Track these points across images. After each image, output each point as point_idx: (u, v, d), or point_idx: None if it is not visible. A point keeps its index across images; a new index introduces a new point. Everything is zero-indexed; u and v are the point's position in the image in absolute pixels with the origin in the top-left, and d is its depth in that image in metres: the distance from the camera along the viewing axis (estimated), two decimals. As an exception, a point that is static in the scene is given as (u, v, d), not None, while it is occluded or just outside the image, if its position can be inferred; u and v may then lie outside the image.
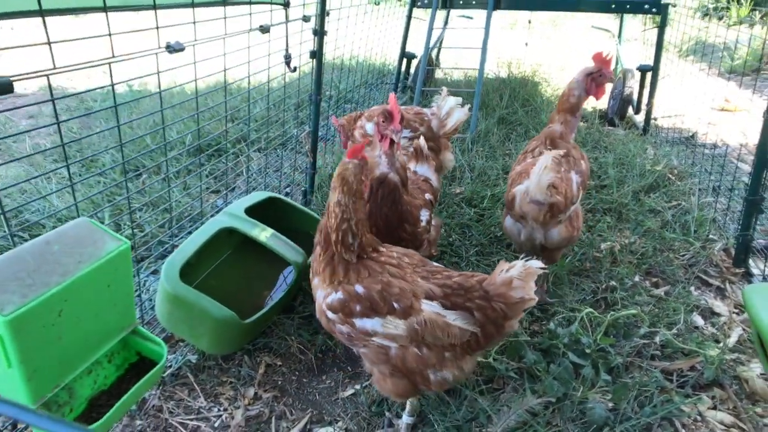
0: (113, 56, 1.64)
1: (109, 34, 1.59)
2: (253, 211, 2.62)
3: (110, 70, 1.68)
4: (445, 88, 3.27)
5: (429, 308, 1.71)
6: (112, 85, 1.73)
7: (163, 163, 2.69)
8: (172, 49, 1.86)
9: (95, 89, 4.43)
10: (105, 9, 1.55)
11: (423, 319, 1.69)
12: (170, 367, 2.31)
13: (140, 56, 1.77)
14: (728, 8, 9.75)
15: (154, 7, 1.75)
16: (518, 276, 1.67)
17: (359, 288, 1.74)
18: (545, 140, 2.66)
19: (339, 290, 1.77)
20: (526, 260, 1.69)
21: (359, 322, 1.73)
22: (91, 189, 3.57)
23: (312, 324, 2.53)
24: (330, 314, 1.79)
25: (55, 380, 1.55)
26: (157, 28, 1.76)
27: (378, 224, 2.15)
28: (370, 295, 1.72)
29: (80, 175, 3.71)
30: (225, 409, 2.14)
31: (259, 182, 3.65)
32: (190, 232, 2.76)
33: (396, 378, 1.80)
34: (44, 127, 2.27)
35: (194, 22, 2.01)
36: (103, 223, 3.08)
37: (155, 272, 2.74)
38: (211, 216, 2.62)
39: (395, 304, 1.70)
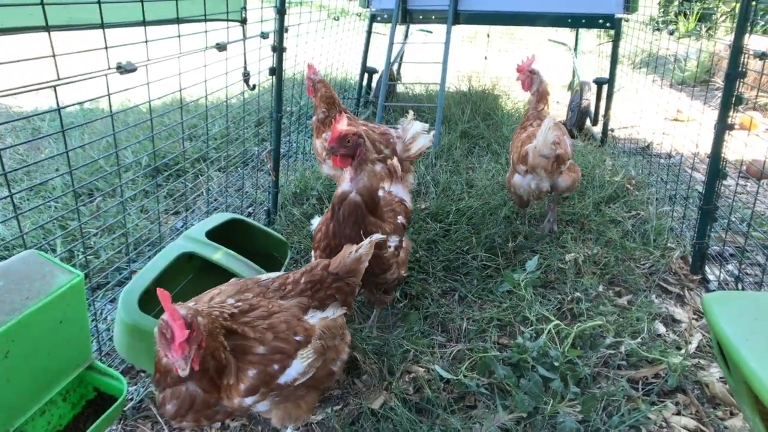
0: (58, 78, 1.55)
1: (53, 55, 1.51)
2: (215, 234, 2.54)
3: (55, 93, 1.60)
4: (411, 112, 3.30)
5: (315, 320, 1.74)
6: (59, 108, 1.64)
7: (118, 186, 2.59)
8: (124, 69, 1.78)
9: (43, 112, 4.26)
10: (47, 28, 1.47)
11: (319, 332, 1.71)
12: (131, 399, 2.20)
13: (89, 78, 1.69)
14: (676, 22, 10.23)
15: (102, 26, 1.68)
16: (366, 252, 1.89)
17: (259, 351, 1.58)
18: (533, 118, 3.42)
19: (243, 380, 1.55)
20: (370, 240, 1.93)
21: (283, 378, 1.60)
22: (41, 215, 3.40)
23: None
24: (252, 399, 1.58)
25: (4, 425, 1.46)
26: (106, 48, 1.68)
27: (341, 244, 2.09)
28: (273, 347, 1.60)
29: (28, 201, 3.53)
30: (190, 443, 2.04)
31: (221, 202, 3.56)
32: (149, 257, 2.66)
33: (309, 396, 1.76)
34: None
35: (146, 41, 1.94)
36: (55, 251, 2.96)
37: (113, 300, 2.62)
38: (171, 240, 2.53)
39: (296, 338, 1.65)
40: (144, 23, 1.89)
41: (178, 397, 1.51)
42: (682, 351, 2.43)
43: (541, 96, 3.54)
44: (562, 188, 3.24)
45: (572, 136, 5.58)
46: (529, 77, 3.62)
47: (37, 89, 1.51)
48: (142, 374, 2.34)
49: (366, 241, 1.92)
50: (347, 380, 2.30)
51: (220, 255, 2.42)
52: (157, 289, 1.39)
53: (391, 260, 2.34)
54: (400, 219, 2.50)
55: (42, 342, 1.53)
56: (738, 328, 1.59)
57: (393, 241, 2.35)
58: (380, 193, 2.75)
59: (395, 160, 2.65)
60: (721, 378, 2.28)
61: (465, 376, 2.24)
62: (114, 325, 2.18)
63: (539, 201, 3.56)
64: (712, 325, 1.69)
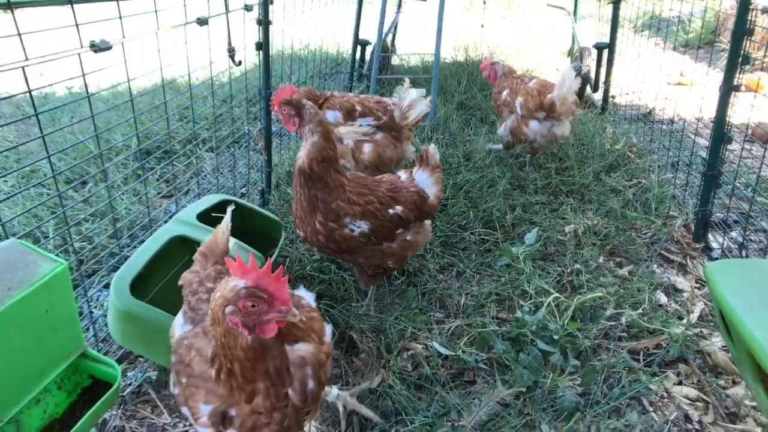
0: (26, 59, 1.48)
1: (18, 34, 1.43)
2: (207, 216, 2.49)
3: (24, 75, 1.52)
4: (407, 79, 3.22)
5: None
6: (29, 91, 1.57)
7: (109, 169, 2.53)
8: (98, 48, 1.71)
9: (11, 96, 4.19)
10: (10, 5, 1.39)
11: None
12: (130, 385, 2.20)
13: (60, 57, 1.62)
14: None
15: (71, 1, 1.59)
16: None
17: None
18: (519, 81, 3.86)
19: None
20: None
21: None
22: (32, 201, 3.35)
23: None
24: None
25: (-3, 415, 1.43)
26: (77, 24, 1.60)
27: (301, 210, 2.25)
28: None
29: (19, 187, 3.48)
30: (190, 424, 2.03)
31: (213, 183, 3.49)
32: (142, 241, 2.62)
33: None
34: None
35: (120, 17, 1.85)
36: (47, 237, 2.92)
37: (107, 286, 2.59)
38: (164, 222, 2.48)
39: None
40: (116, -2, 1.80)
41: None
42: (684, 321, 2.40)
43: (509, 72, 4.09)
44: (565, 134, 3.69)
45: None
46: (492, 69, 4.18)
47: (6, 70, 1.44)
48: (140, 359, 2.33)
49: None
50: (345, 359, 2.29)
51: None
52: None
53: (356, 243, 2.25)
54: (396, 210, 2.30)
55: (28, 332, 1.51)
56: (741, 296, 1.56)
57: (357, 225, 2.22)
58: (346, 164, 2.94)
59: (431, 147, 2.51)
60: (723, 347, 2.25)
61: (464, 352, 2.21)
62: (108, 311, 2.16)
63: (534, 145, 3.82)
64: (714, 294, 1.66)
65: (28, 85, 1.57)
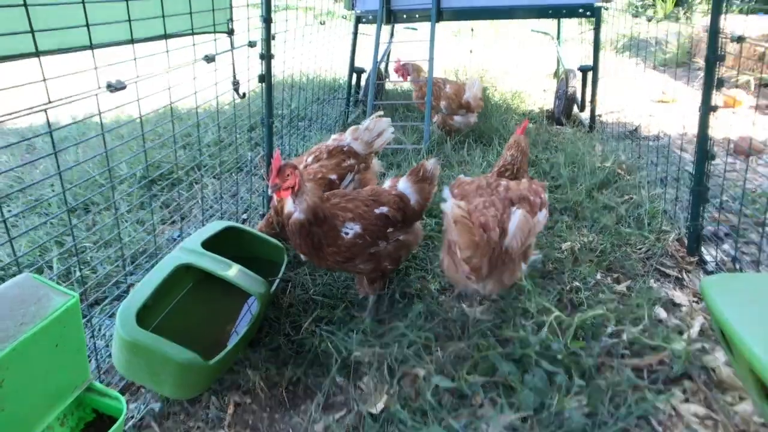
0: (49, 101, 1.54)
1: (44, 80, 1.49)
2: (211, 242, 2.54)
3: (47, 116, 1.58)
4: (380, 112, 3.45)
5: None
6: (50, 131, 1.63)
7: (113, 199, 2.57)
8: (114, 88, 1.77)
9: (36, 136, 4.23)
10: (38, 54, 1.46)
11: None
12: (132, 417, 2.19)
13: (79, 99, 1.68)
14: (654, 6, 10.30)
15: (91, 47, 1.67)
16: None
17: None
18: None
19: None
20: None
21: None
22: (36, 231, 3.37)
23: (279, 356, 2.46)
24: None
25: (-1, 454, 1.43)
26: (96, 68, 1.67)
27: (299, 247, 2.45)
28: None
29: (24, 218, 3.50)
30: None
31: (216, 209, 3.54)
32: (147, 270, 2.65)
33: None
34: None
35: (135, 59, 1.92)
36: (51, 268, 2.93)
37: (111, 316, 2.60)
38: (168, 251, 2.52)
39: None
40: (132, 41, 1.88)
41: None
42: (685, 336, 2.43)
43: (417, 69, 5.25)
44: (476, 120, 5.16)
45: (560, 124, 5.64)
46: (404, 69, 5.30)
47: (29, 113, 1.49)
48: (143, 390, 2.32)
49: None
50: (347, 383, 2.31)
51: (216, 264, 2.42)
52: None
53: (355, 248, 2.44)
54: (382, 210, 2.52)
55: (38, 367, 1.51)
56: (738, 312, 1.57)
57: (350, 227, 2.44)
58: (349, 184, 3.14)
59: (430, 162, 2.69)
60: (726, 362, 2.27)
61: (466, 381, 2.21)
62: (112, 342, 2.17)
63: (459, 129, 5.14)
64: (711, 310, 1.68)
65: (49, 126, 1.63)
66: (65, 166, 4.05)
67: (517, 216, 2.20)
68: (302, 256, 2.55)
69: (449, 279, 2.61)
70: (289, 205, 2.39)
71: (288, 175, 2.33)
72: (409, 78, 5.27)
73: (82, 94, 1.68)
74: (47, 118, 1.58)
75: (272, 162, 2.31)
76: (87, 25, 1.63)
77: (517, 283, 2.78)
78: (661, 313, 2.64)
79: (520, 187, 2.49)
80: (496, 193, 2.44)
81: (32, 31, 1.43)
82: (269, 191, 2.35)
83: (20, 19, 1.42)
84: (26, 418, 1.51)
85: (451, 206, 2.08)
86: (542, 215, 2.42)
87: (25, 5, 1.41)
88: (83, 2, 1.64)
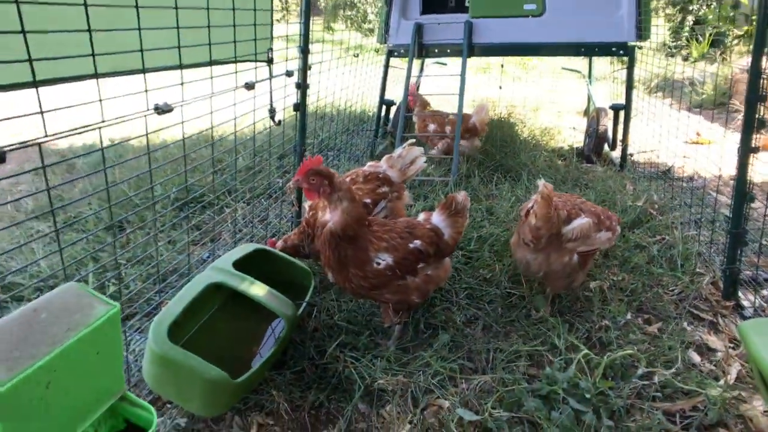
0: (103, 120, 1.64)
1: (100, 100, 1.59)
2: (241, 264, 2.59)
3: (100, 135, 1.68)
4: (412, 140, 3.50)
5: None
6: (102, 149, 1.72)
7: (149, 218, 2.67)
8: (161, 110, 1.87)
9: (86, 153, 4.42)
10: (96, 76, 1.56)
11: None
12: (158, 432, 2.21)
13: (130, 119, 1.78)
14: (688, 47, 10.29)
15: (143, 71, 1.77)
16: None
17: None
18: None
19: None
20: None
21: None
22: (74, 247, 3.49)
23: (303, 379, 2.46)
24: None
25: (40, 458, 1.46)
26: (146, 91, 1.77)
27: (326, 258, 2.47)
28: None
29: (63, 233, 3.63)
30: (217, 477, 2.04)
31: (245, 233, 3.62)
32: (177, 288, 2.71)
33: None
34: (33, 194, 2.28)
35: (182, 83, 2.03)
36: (87, 282, 3.02)
37: (141, 331, 2.66)
38: (198, 270, 2.58)
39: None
40: (180, 67, 1.98)
41: None
42: (721, 382, 2.35)
43: (424, 103, 5.48)
44: (480, 142, 5.39)
45: (590, 162, 5.61)
46: (414, 98, 5.46)
47: (85, 131, 1.58)
48: (168, 405, 2.35)
49: None
50: (370, 411, 2.29)
51: (246, 284, 2.46)
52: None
53: (384, 278, 2.46)
54: (416, 243, 2.52)
55: (80, 373, 1.55)
56: None
57: (382, 258, 2.45)
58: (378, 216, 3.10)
59: (460, 195, 2.71)
60: (766, 411, 2.19)
61: (491, 415, 2.17)
62: (143, 356, 2.21)
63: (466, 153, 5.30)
64: (751, 354, 1.65)
65: (101, 143, 1.72)
66: (102, 187, 4.23)
67: (582, 219, 2.70)
68: (329, 276, 2.54)
69: (512, 253, 2.99)
70: (326, 215, 2.46)
71: (313, 180, 2.38)
72: (414, 109, 5.43)
73: (132, 114, 1.77)
74: (100, 136, 1.67)
75: (304, 161, 2.39)
76: (141, 50, 1.74)
77: (545, 319, 2.75)
78: (695, 357, 2.56)
79: (596, 207, 2.92)
80: (575, 202, 2.90)
81: (93, 55, 1.53)
82: (290, 183, 2.43)
83: (82, 44, 1.53)
84: (68, 421, 1.55)
85: (542, 184, 2.55)
86: (604, 235, 2.78)
87: (89, 30, 1.52)
88: (139, 29, 1.76)
